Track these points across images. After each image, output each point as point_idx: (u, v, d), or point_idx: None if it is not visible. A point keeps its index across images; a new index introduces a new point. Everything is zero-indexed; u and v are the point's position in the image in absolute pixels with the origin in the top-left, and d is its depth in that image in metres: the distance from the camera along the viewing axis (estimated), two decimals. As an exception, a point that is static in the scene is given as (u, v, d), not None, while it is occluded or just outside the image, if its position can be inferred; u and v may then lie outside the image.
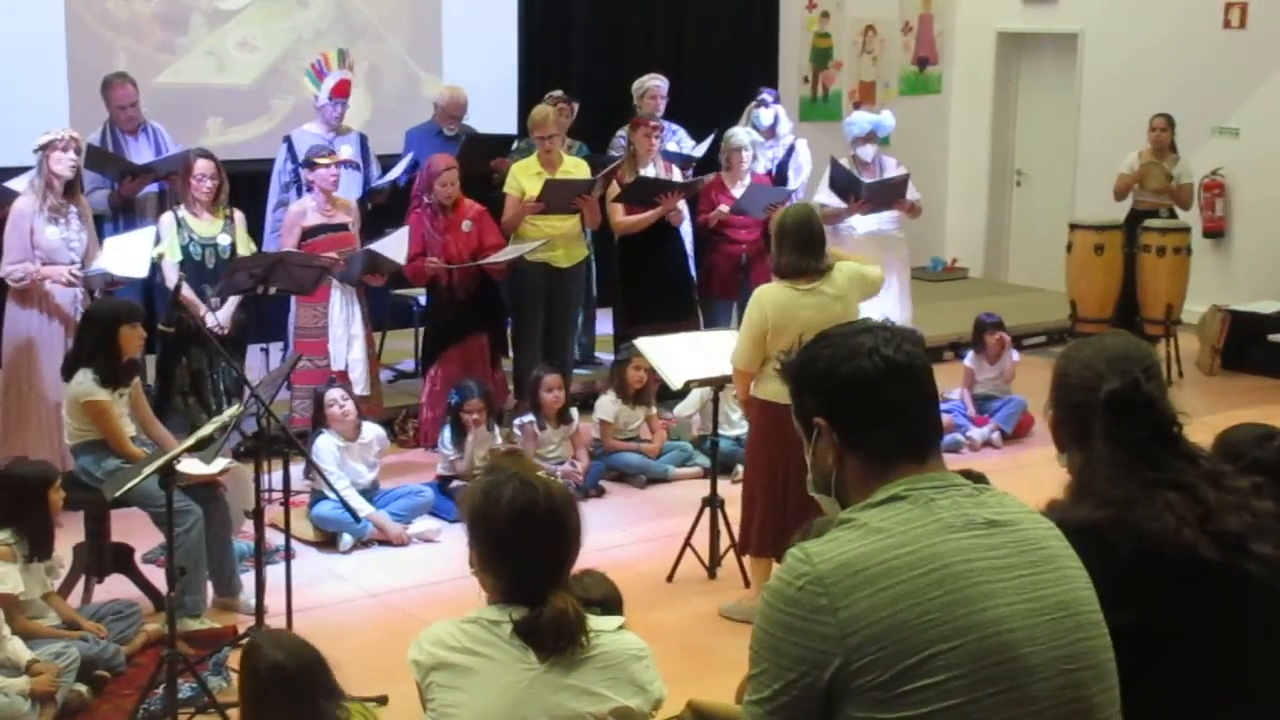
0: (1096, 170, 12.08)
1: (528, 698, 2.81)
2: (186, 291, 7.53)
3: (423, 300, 9.11)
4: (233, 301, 7.62)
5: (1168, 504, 2.53)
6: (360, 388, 8.00)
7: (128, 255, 7.42)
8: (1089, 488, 2.64)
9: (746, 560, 6.44)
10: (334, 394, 7.36)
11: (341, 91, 9.01)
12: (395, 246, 8.13)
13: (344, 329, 8.16)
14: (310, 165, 8.25)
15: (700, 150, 10.10)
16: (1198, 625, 2.53)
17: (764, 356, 5.95)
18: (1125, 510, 2.54)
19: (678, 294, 9.39)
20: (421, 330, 9.34)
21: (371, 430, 7.51)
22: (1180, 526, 2.52)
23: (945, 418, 8.83)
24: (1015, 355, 9.52)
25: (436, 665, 2.85)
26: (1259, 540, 2.55)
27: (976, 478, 2.38)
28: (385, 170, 9.33)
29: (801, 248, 5.99)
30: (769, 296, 5.99)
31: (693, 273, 9.64)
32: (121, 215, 8.44)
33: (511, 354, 9.10)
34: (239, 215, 7.77)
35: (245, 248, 7.73)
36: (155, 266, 7.61)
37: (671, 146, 10.09)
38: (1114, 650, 2.30)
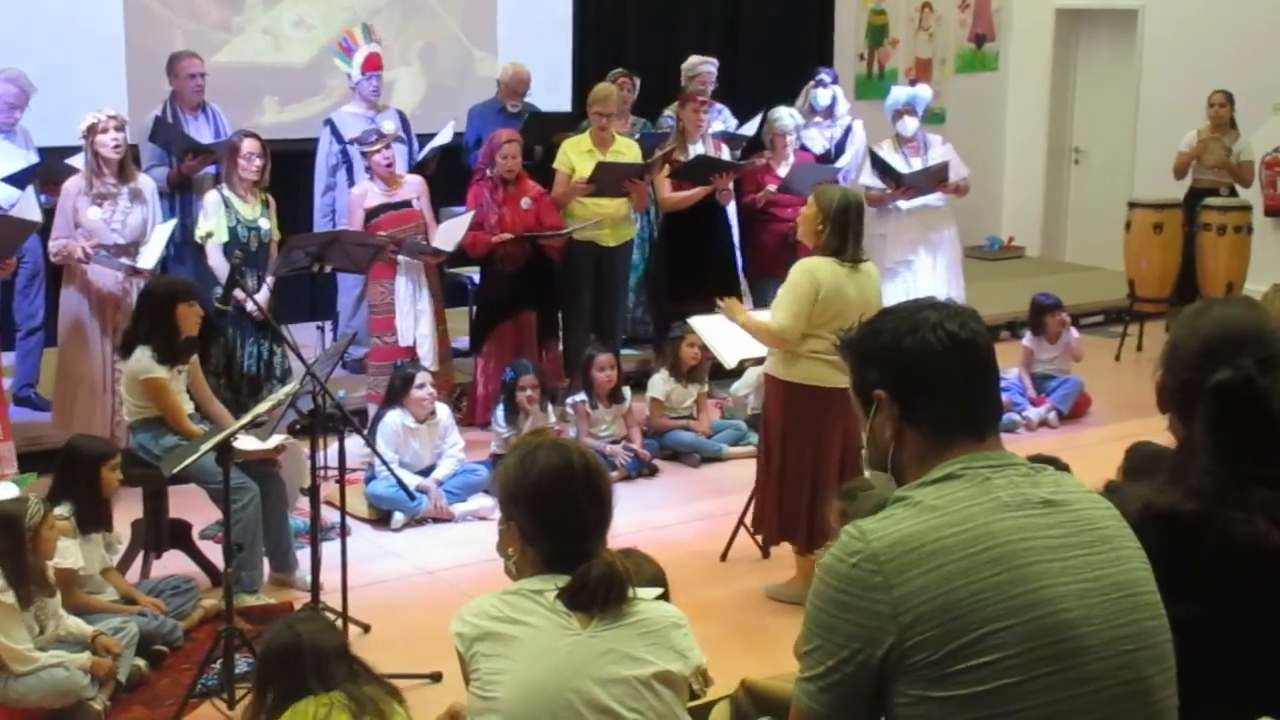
0: (1156, 148, 11.94)
1: (571, 663, 2.83)
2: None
3: (476, 278, 9.12)
4: (269, 283, 7.62)
5: (1261, 504, 2.47)
6: (428, 363, 8.02)
7: (151, 245, 7.45)
8: (1183, 470, 2.58)
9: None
10: (424, 376, 7.43)
11: (373, 65, 9.03)
12: (454, 231, 8.14)
13: (410, 305, 8.16)
14: (363, 152, 8.26)
15: (750, 129, 10.06)
16: (1272, 620, 2.48)
17: (804, 331, 5.88)
18: (1215, 505, 2.49)
19: (722, 272, 9.36)
20: (474, 308, 9.35)
21: (444, 412, 7.55)
22: (1271, 529, 2.46)
23: (1003, 397, 8.78)
24: (1075, 333, 9.44)
25: (480, 636, 2.86)
26: None
27: (1059, 465, 2.36)
28: (422, 145, 9.34)
29: (847, 231, 5.94)
30: (819, 268, 5.92)
31: (738, 252, 9.61)
32: (178, 193, 8.49)
33: (562, 333, 9.12)
34: (272, 201, 7.78)
35: (276, 235, 7.75)
36: (199, 248, 7.62)
37: (717, 126, 10.07)
38: (1183, 642, 2.28)
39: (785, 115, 9.36)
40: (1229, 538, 2.45)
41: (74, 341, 7.38)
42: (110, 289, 7.35)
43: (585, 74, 10.58)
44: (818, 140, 9.93)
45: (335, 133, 9.01)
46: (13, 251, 7.21)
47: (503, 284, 8.57)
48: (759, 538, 6.53)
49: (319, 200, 9.08)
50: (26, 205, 7.18)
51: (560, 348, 9.06)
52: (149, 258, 7.37)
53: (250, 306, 7.08)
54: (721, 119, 10.16)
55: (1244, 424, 2.52)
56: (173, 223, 7.74)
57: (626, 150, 8.91)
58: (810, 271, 5.93)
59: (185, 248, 8.12)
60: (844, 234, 5.93)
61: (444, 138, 9.22)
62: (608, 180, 8.59)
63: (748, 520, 6.70)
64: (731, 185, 9.33)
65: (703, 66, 9.94)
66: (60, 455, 5.85)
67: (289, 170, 7.86)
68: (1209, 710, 2.40)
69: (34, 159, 8.03)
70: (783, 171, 9.24)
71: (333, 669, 3.89)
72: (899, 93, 9.86)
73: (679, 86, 9.94)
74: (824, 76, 10.21)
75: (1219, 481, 2.50)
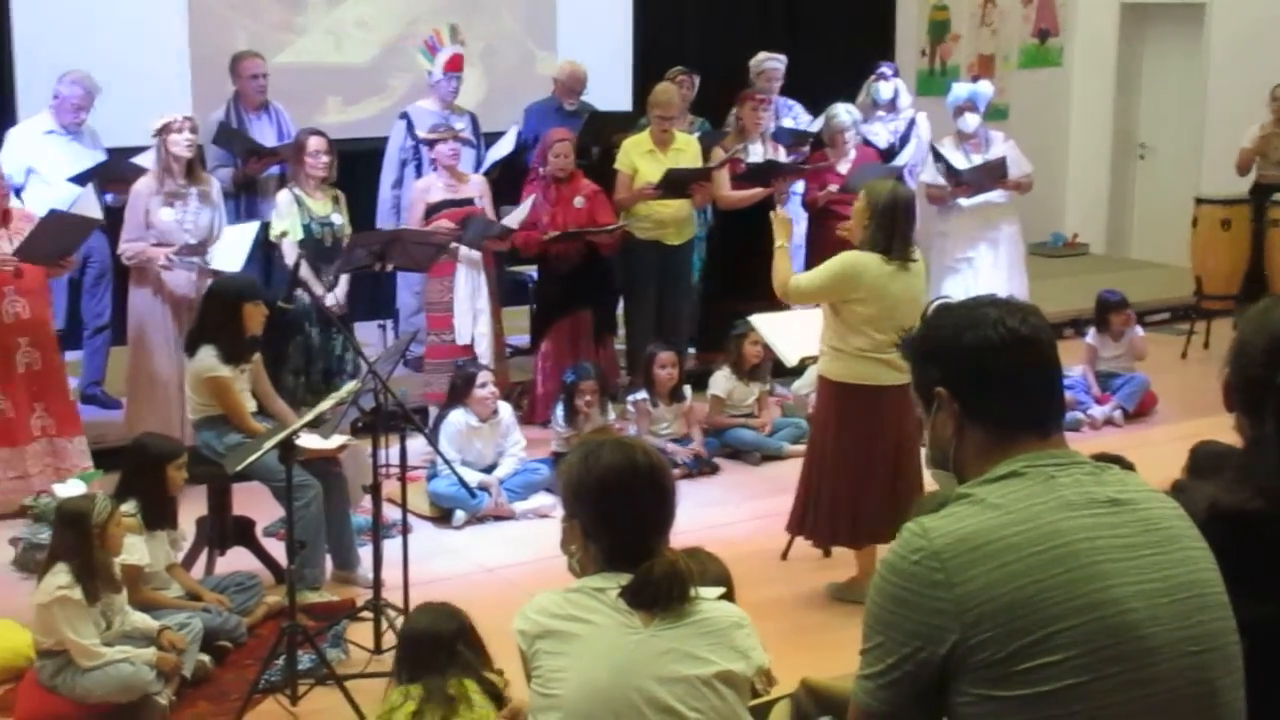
0: (1223, 143, 11.80)
1: (633, 661, 2.82)
2: (305, 270, 7.61)
3: (536, 276, 9.14)
4: (345, 279, 7.67)
5: None
6: (486, 361, 8.05)
7: (228, 246, 7.50)
8: (1250, 469, 2.55)
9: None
10: (486, 375, 7.45)
11: (455, 66, 9.05)
12: (516, 218, 8.18)
13: (469, 303, 8.18)
14: (430, 143, 8.30)
15: (815, 126, 10.02)
16: None
17: (816, 303, 5.83)
18: None
19: None
20: (533, 306, 9.38)
21: (507, 411, 7.56)
22: None
23: (1067, 395, 8.71)
24: (1140, 331, 9.34)
25: (542, 633, 2.86)
26: None
27: (1124, 464, 2.34)
28: (488, 147, 9.35)
29: (895, 229, 5.85)
30: (864, 263, 5.83)
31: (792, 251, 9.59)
32: (244, 194, 8.56)
33: (623, 331, 9.12)
34: (342, 196, 7.82)
35: (349, 230, 7.78)
36: (274, 246, 7.69)
37: (788, 122, 10.04)
38: (1250, 642, 2.24)
39: (842, 112, 9.32)
40: None
41: (147, 341, 7.46)
42: (183, 290, 7.42)
43: (645, 72, 10.58)
44: (881, 134, 9.89)
45: (410, 127, 9.05)
46: (74, 250, 7.28)
47: (559, 283, 8.61)
48: (809, 541, 6.46)
49: (386, 193, 9.11)
50: (87, 203, 7.23)
51: (616, 345, 9.06)
52: (234, 260, 7.42)
53: (330, 301, 7.15)
54: (792, 115, 10.14)
55: None
56: (256, 224, 7.80)
57: (686, 148, 8.90)
58: (854, 264, 5.85)
59: (253, 248, 8.17)
60: (890, 231, 5.83)
61: (506, 147, 9.22)
62: (674, 185, 8.60)
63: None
64: (797, 185, 9.30)
65: (769, 63, 9.93)
66: (128, 452, 5.92)
67: (351, 169, 7.90)
68: (1277, 713, 2.36)
69: (102, 159, 8.11)
70: (843, 168, 9.20)
71: (431, 657, 4.19)
72: (960, 89, 9.80)
73: (739, 84, 9.91)
74: (885, 70, 10.18)
75: None
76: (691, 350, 9.46)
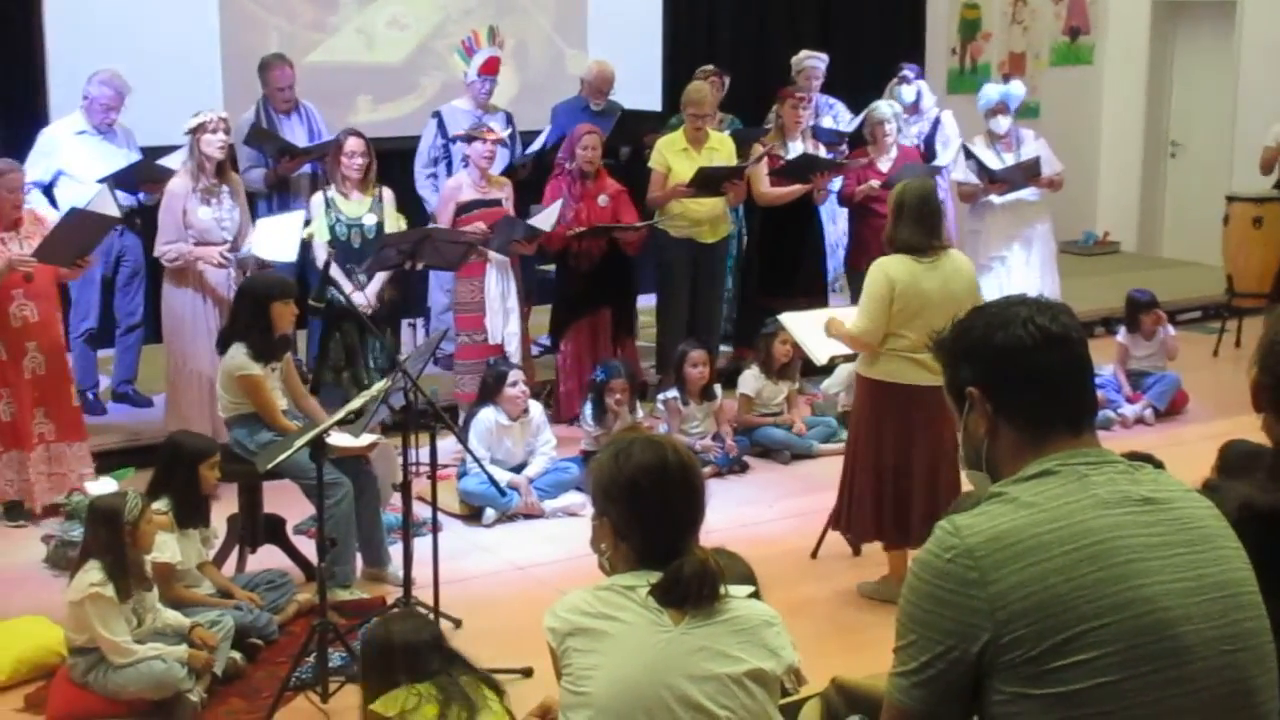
0: (1255, 141, 11.69)
1: (663, 659, 2.82)
2: (334, 268, 7.63)
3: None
4: (380, 278, 7.69)
5: None
6: (516, 361, 8.05)
7: (277, 238, 7.54)
8: None
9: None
10: (517, 374, 7.47)
11: (490, 69, 9.06)
12: (547, 220, 8.17)
13: (500, 303, 8.18)
14: (469, 139, 8.30)
15: (854, 125, 10.01)
16: None
17: (886, 330, 5.84)
18: None
19: (811, 270, 9.34)
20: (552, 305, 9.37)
21: (537, 409, 7.58)
22: None
23: (1098, 394, 8.66)
24: (1171, 330, 9.30)
25: (572, 631, 2.87)
26: None
27: (1155, 463, 2.33)
28: (527, 147, 9.37)
29: (921, 223, 5.84)
30: (892, 266, 5.84)
31: (827, 250, 9.59)
32: (276, 194, 8.60)
33: (655, 329, 9.12)
34: (388, 194, 7.83)
35: (394, 225, 7.79)
36: (306, 245, 7.73)
37: (827, 121, 10.04)
38: (1278, 639, 2.23)
39: (883, 105, 9.38)
40: None
41: (184, 339, 7.48)
42: (223, 289, 7.45)
43: (676, 72, 10.59)
44: (907, 136, 9.87)
45: (442, 126, 9.06)
46: (92, 249, 7.22)
47: (578, 281, 8.62)
48: (848, 536, 6.48)
49: (420, 192, 9.12)
50: (103, 201, 7.24)
51: (639, 344, 9.08)
52: (286, 250, 7.48)
53: (359, 300, 7.17)
54: (833, 114, 10.12)
55: None
56: (300, 213, 7.82)
57: (721, 147, 8.90)
58: (883, 270, 5.87)
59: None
60: (914, 228, 5.84)
61: (538, 145, 9.23)
62: (708, 183, 8.60)
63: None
64: (834, 184, 9.31)
65: (809, 60, 9.95)
66: (162, 450, 5.94)
67: (381, 168, 7.92)
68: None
69: (135, 158, 8.14)
70: (883, 164, 9.19)
71: (426, 662, 4.02)
72: (991, 90, 9.78)
73: (769, 83, 9.91)
74: (907, 72, 10.17)
75: None
76: (727, 348, 9.46)
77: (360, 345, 7.72)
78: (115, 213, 7.26)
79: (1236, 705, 2.17)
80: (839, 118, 10.14)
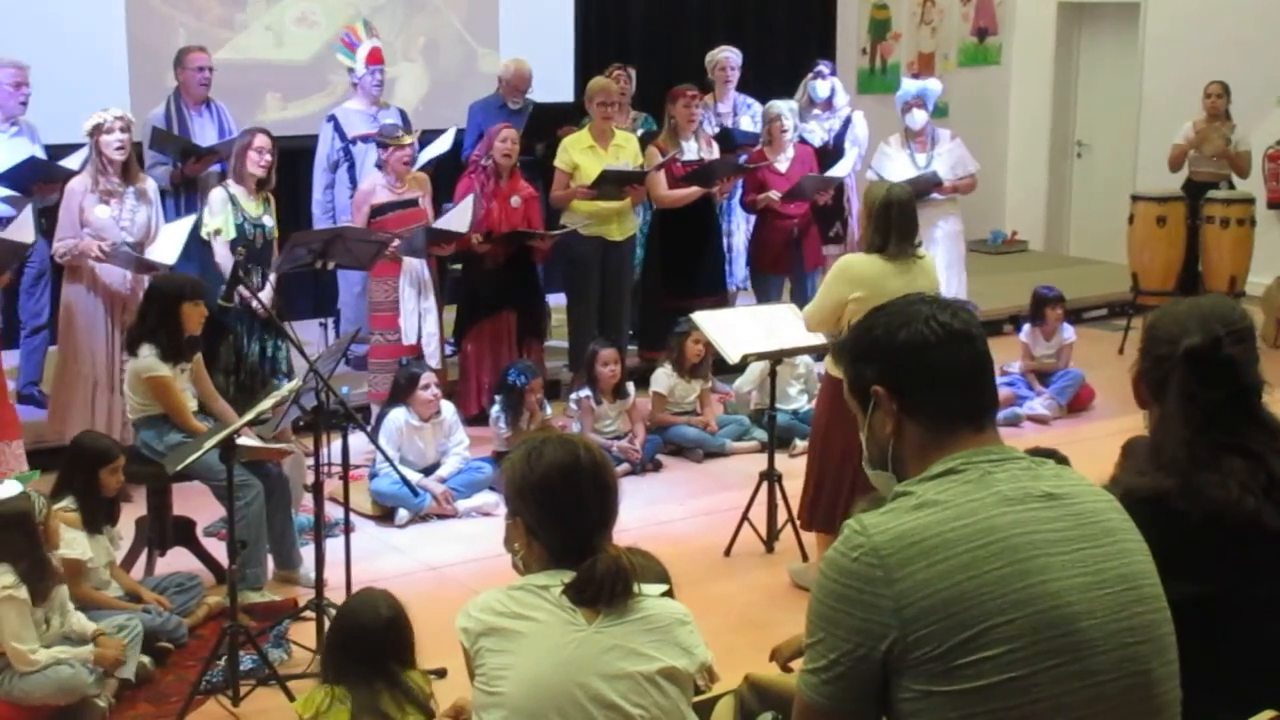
0: (1158, 141, 11.92)
1: (576, 658, 2.83)
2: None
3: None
4: (271, 281, 7.60)
5: (1232, 470, 2.50)
6: (434, 362, 8.01)
7: (163, 240, 7.43)
8: (1158, 449, 2.61)
9: (809, 534, 6.42)
10: (429, 376, 7.43)
11: (375, 59, 9.01)
12: (458, 218, 8.12)
13: (415, 304, 8.13)
14: (383, 145, 8.22)
15: (760, 128, 10.05)
16: (1261, 597, 2.50)
17: (839, 328, 5.89)
18: (1189, 475, 2.51)
19: (713, 270, 9.39)
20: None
21: (449, 410, 7.54)
22: (1243, 495, 2.49)
23: (1006, 390, 8.78)
24: (1070, 331, 9.39)
25: (485, 631, 2.87)
26: None
27: (1058, 458, 2.37)
28: (424, 145, 9.31)
29: (899, 230, 5.89)
30: (856, 268, 5.90)
31: (726, 250, 9.64)
32: (183, 192, 8.48)
33: (568, 327, 9.13)
34: (272, 199, 7.75)
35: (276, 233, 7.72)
36: (205, 244, 7.59)
37: (745, 122, 10.07)
38: (1175, 622, 2.28)
39: (779, 102, 9.44)
40: (1207, 506, 2.47)
41: (76, 338, 7.36)
42: (118, 287, 7.34)
43: (588, 69, 10.56)
44: (817, 132, 9.94)
45: (338, 129, 8.99)
46: (3, 271, 7.14)
47: (481, 281, 8.58)
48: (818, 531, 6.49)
49: (319, 196, 9.05)
50: (23, 227, 7.13)
51: (559, 343, 9.04)
52: (169, 252, 7.34)
53: (255, 304, 7.06)
54: (751, 113, 10.15)
55: (1214, 393, 2.58)
56: (192, 218, 7.70)
57: (625, 144, 8.92)
58: (846, 264, 5.99)
59: (190, 245, 8.09)
60: (885, 231, 5.88)
61: (443, 145, 9.17)
62: (609, 186, 8.60)
63: (751, 515, 6.71)
64: (738, 184, 9.36)
65: (721, 54, 10.07)
66: (67, 451, 5.87)
67: (292, 167, 7.85)
68: (1205, 693, 2.41)
69: (40, 155, 8.01)
70: (781, 163, 9.25)
71: (355, 660, 4.11)
72: (909, 85, 9.90)
73: (683, 79, 9.92)
74: (822, 68, 10.23)
75: (1191, 449, 2.53)
76: (633, 348, 9.47)
77: (248, 350, 7.58)
78: (29, 238, 7.15)
79: (1138, 697, 2.21)
80: (757, 117, 10.18)
